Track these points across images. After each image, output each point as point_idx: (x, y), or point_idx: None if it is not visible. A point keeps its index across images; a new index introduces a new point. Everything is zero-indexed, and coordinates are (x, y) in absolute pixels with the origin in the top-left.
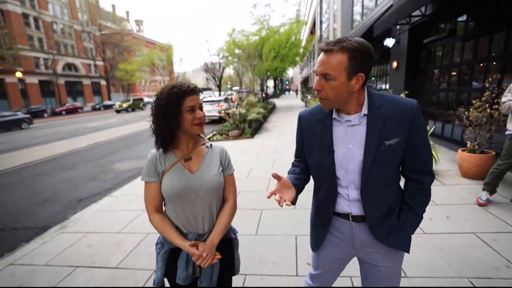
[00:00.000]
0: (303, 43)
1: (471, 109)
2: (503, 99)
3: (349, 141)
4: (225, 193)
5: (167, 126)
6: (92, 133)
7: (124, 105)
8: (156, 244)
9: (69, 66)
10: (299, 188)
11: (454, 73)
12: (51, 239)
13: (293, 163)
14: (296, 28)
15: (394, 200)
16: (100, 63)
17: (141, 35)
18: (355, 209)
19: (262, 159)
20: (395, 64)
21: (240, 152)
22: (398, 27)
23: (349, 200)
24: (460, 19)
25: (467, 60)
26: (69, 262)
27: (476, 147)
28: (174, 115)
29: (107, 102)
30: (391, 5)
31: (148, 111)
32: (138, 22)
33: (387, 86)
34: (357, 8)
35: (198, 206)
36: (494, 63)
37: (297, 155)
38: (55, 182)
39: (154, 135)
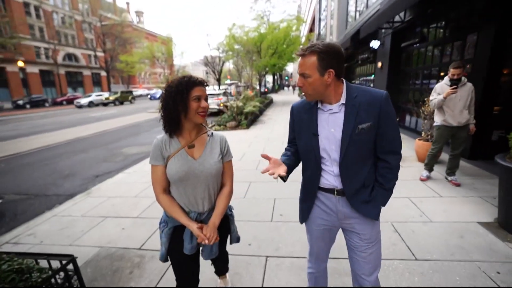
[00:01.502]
0: (302, 40)
1: (426, 105)
2: (430, 97)
3: (331, 126)
4: (223, 178)
5: (175, 111)
6: (95, 123)
7: (111, 98)
8: (160, 223)
9: (69, 56)
10: (289, 167)
11: (426, 74)
12: (81, 201)
13: (286, 148)
14: (296, 25)
15: (368, 176)
16: (100, 54)
17: (141, 26)
18: (340, 184)
19: (254, 146)
20: (380, 64)
21: (236, 141)
22: (383, 30)
23: (334, 175)
24: (431, 27)
25: (435, 63)
26: (99, 214)
27: (429, 136)
28: (182, 101)
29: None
30: (378, 9)
31: (137, 104)
32: (138, 13)
33: (372, 85)
34: (352, 9)
35: (199, 189)
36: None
37: (289, 141)
38: (72, 163)
39: (162, 120)
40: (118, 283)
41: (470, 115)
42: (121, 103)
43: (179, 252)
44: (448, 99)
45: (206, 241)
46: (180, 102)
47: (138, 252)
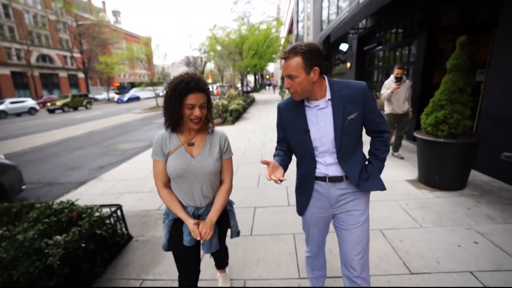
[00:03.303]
0: (282, 41)
1: (378, 98)
2: (382, 91)
3: (321, 121)
4: (222, 175)
5: (172, 113)
6: (82, 124)
7: (59, 103)
8: (163, 214)
9: (43, 57)
10: (285, 168)
11: (384, 73)
12: (95, 185)
13: (276, 147)
14: (276, 27)
15: (363, 159)
16: (77, 55)
17: (119, 26)
18: (332, 171)
19: (240, 138)
20: (348, 64)
21: None
22: (350, 35)
23: (325, 165)
24: (387, 34)
25: (391, 63)
26: (117, 192)
27: None
28: (175, 108)
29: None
30: (347, 16)
31: (98, 110)
32: (115, 13)
33: None
34: (325, 12)
35: (196, 186)
36: (412, 67)
37: (279, 140)
38: (73, 158)
39: (164, 116)
40: (148, 228)
41: (409, 105)
42: (75, 108)
43: (179, 243)
44: (395, 93)
45: (198, 238)
46: (174, 106)
47: (157, 212)
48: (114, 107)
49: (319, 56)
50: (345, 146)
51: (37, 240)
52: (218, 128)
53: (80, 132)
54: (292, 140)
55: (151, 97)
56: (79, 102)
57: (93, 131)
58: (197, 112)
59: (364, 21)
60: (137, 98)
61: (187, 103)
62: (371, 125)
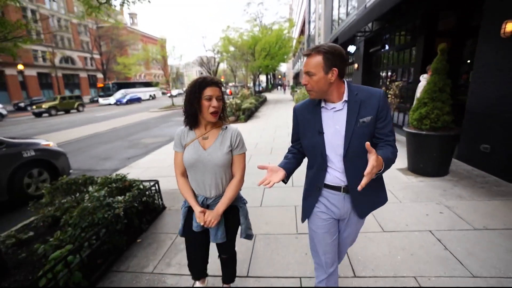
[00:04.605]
0: (293, 42)
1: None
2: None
3: (336, 123)
4: (233, 169)
5: (192, 108)
6: (104, 121)
7: (45, 106)
8: (182, 202)
9: (66, 59)
10: (289, 170)
11: (389, 74)
12: (129, 172)
13: (289, 148)
14: (288, 28)
15: None
16: (96, 56)
17: (136, 28)
18: (347, 180)
19: (252, 134)
20: (356, 65)
21: None
22: (358, 37)
23: (341, 172)
24: (391, 37)
25: (394, 65)
26: (147, 176)
27: None
28: (196, 100)
29: None
30: (355, 19)
31: (112, 110)
32: (132, 15)
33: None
34: (335, 13)
35: (207, 176)
36: (412, 68)
37: (293, 141)
38: (103, 150)
39: (184, 115)
40: (178, 202)
41: None
42: (66, 111)
43: (190, 229)
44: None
45: (202, 223)
46: (195, 100)
47: None
48: (124, 108)
49: (339, 58)
50: (354, 150)
51: (106, 198)
52: (232, 125)
53: (105, 128)
54: (305, 142)
55: (146, 99)
56: (70, 104)
57: (115, 127)
58: (214, 103)
59: (370, 25)
60: (138, 100)
61: (206, 95)
62: (381, 129)
